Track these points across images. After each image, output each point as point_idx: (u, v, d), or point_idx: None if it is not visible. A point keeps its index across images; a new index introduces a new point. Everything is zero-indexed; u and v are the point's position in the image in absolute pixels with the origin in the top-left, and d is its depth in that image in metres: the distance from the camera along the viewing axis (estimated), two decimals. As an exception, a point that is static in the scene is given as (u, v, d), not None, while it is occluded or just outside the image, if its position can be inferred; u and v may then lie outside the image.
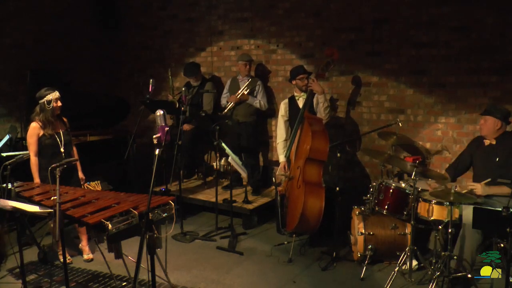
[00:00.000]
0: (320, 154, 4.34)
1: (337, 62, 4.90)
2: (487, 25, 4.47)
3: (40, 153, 4.07)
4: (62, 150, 4.12)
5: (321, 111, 4.76)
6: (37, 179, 4.04)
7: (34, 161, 4.04)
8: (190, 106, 5.67)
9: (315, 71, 5.00)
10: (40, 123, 4.05)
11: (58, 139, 4.11)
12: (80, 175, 4.34)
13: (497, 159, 3.87)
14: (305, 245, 4.62)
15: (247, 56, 5.67)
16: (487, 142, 3.96)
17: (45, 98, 4.01)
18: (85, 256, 4.37)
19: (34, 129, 4.05)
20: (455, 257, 3.63)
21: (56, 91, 4.08)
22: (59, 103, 4.10)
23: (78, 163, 4.28)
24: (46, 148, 4.07)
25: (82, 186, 4.31)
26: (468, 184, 3.96)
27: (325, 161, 4.41)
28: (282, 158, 4.92)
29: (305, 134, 4.47)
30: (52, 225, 3.91)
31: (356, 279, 3.97)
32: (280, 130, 5.07)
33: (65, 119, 4.26)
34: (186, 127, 5.89)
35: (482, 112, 4.00)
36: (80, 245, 4.46)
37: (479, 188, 3.80)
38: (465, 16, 4.56)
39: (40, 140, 4.05)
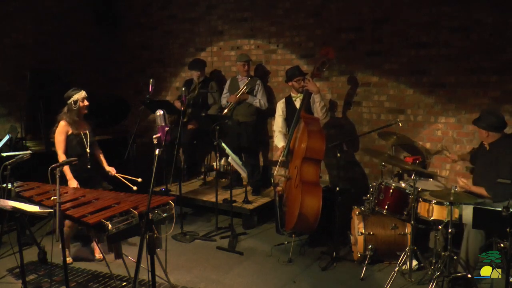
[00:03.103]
0: (316, 153, 4.34)
1: (333, 61, 4.91)
2: (487, 25, 4.47)
3: (66, 153, 4.05)
4: (87, 150, 4.15)
5: (318, 111, 4.76)
6: (71, 177, 3.97)
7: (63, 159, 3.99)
8: (191, 106, 5.67)
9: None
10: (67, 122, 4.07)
11: (84, 139, 4.15)
12: (107, 168, 4.32)
13: (484, 165, 3.88)
14: (305, 245, 4.62)
15: (246, 56, 5.67)
16: (486, 146, 3.96)
17: (72, 98, 4.07)
18: (97, 256, 4.36)
19: (64, 127, 4.07)
20: (455, 258, 3.63)
21: (82, 91, 4.14)
22: (86, 103, 4.15)
23: (103, 158, 4.32)
24: (73, 148, 4.09)
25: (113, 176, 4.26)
26: (459, 179, 3.99)
27: (321, 160, 4.41)
28: (280, 144, 4.94)
29: (302, 134, 4.48)
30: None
31: (356, 279, 3.96)
32: (277, 123, 5.10)
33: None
34: (190, 126, 5.88)
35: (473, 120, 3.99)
36: (92, 244, 4.45)
37: (463, 183, 3.86)
38: (465, 16, 4.56)
39: (68, 138, 4.08)
